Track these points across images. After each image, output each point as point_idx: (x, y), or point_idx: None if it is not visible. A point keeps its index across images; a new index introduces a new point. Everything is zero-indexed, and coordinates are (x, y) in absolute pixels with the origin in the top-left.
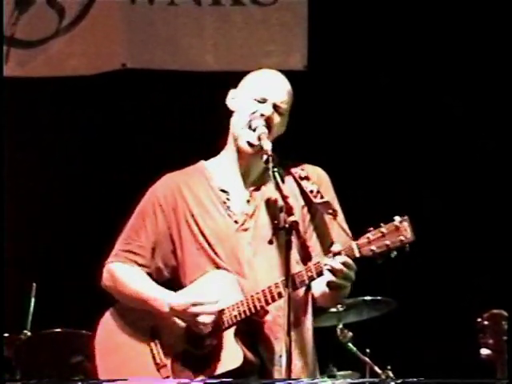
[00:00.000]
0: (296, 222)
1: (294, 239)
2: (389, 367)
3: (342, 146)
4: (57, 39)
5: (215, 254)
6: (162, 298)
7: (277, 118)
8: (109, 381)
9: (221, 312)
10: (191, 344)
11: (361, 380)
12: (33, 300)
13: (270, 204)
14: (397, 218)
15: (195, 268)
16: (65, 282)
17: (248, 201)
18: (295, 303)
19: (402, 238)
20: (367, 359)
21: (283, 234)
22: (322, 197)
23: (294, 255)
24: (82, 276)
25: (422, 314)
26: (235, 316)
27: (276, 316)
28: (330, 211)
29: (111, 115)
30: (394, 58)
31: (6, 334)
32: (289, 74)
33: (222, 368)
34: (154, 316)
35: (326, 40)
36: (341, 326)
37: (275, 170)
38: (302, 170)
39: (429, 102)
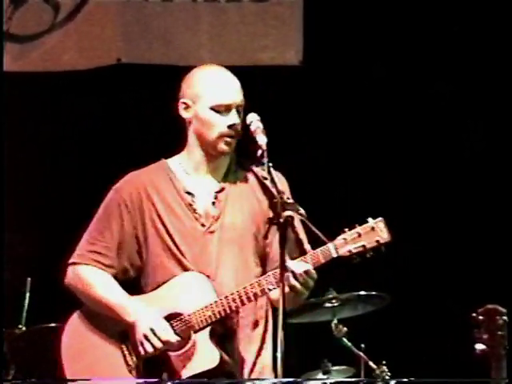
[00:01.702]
0: (291, 217)
1: (254, 241)
2: (384, 362)
3: (337, 141)
4: (52, 34)
5: (182, 255)
6: (129, 307)
7: (240, 119)
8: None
9: (193, 313)
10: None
11: (355, 379)
12: (27, 295)
13: (235, 203)
14: (371, 220)
15: (160, 269)
16: (59, 277)
17: (213, 203)
18: (256, 305)
19: (378, 238)
20: (362, 354)
21: (249, 235)
22: (288, 197)
23: (253, 257)
24: None
25: (416, 308)
26: (209, 316)
27: (239, 317)
28: (301, 212)
29: (106, 110)
30: (390, 52)
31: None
32: (284, 69)
33: (198, 368)
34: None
35: (322, 35)
36: (335, 321)
37: (270, 164)
38: (263, 169)
39: (425, 97)
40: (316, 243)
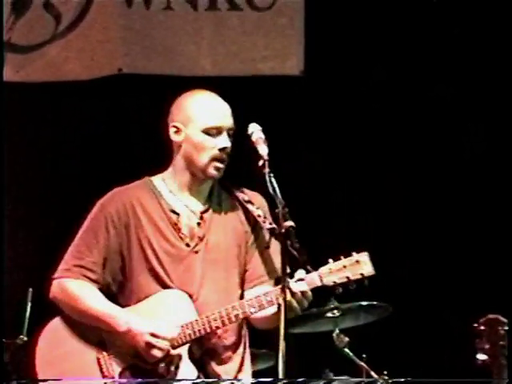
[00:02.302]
0: (293, 227)
1: (237, 262)
2: (385, 372)
3: (338, 150)
4: (53, 44)
5: (166, 275)
6: (119, 317)
7: (230, 144)
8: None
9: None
10: (140, 359)
11: (359, 379)
12: (29, 305)
13: (222, 225)
14: (355, 254)
15: (143, 287)
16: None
17: (198, 223)
18: (236, 327)
19: (362, 271)
20: (363, 364)
21: (232, 256)
22: (270, 223)
23: (236, 278)
24: None
25: (418, 319)
26: (189, 334)
27: (223, 337)
28: (278, 237)
29: (107, 120)
30: (390, 62)
31: (2, 339)
32: (285, 79)
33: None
34: (99, 329)
35: (323, 45)
36: (337, 331)
37: (271, 174)
38: (244, 193)
39: (426, 104)
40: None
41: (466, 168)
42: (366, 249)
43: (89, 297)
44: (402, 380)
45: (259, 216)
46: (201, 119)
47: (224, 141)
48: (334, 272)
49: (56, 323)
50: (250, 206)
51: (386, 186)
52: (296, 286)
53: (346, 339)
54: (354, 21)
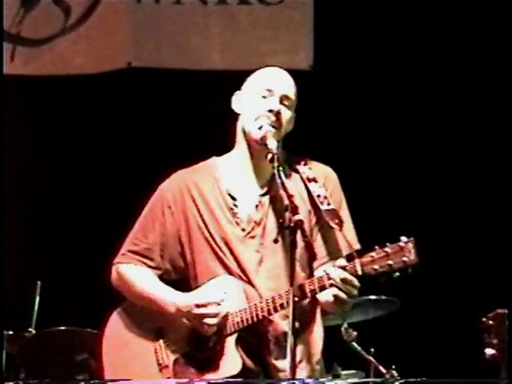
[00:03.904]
0: (301, 221)
1: (299, 241)
2: (393, 366)
3: (348, 146)
4: (63, 38)
5: (225, 260)
6: (169, 299)
7: (285, 112)
8: (112, 381)
9: (224, 317)
10: (194, 346)
11: (364, 380)
12: (37, 298)
13: (277, 208)
14: (403, 239)
15: (206, 271)
16: (69, 280)
17: (257, 206)
18: (303, 309)
19: (405, 259)
20: (372, 358)
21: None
22: (329, 203)
23: (300, 260)
24: (87, 274)
25: (426, 313)
26: (237, 323)
27: (281, 325)
28: (336, 221)
29: (116, 114)
30: (401, 56)
31: (11, 332)
32: (294, 74)
33: (220, 374)
34: (160, 316)
35: (332, 40)
36: (345, 325)
37: (280, 168)
38: (310, 169)
39: (440, 101)
40: None
41: (475, 163)
42: (375, 242)
43: (140, 280)
44: (415, 380)
45: (319, 196)
46: (257, 81)
47: (274, 103)
48: (377, 260)
49: (118, 312)
50: (312, 185)
51: (394, 178)
52: (336, 273)
53: (355, 333)
54: (363, 15)
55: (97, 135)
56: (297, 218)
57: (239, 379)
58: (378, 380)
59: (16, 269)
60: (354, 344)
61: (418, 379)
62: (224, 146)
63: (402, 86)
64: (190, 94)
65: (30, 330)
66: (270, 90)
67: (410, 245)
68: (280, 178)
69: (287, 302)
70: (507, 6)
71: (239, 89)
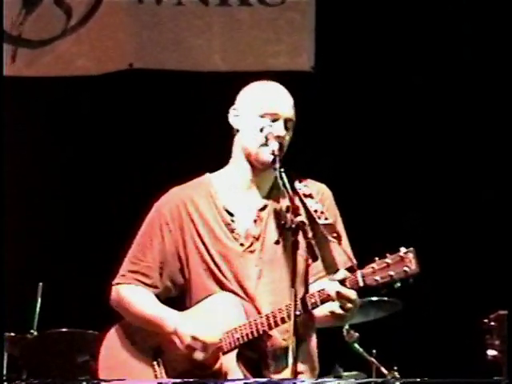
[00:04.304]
0: (303, 222)
1: (298, 257)
2: (395, 368)
3: (349, 148)
4: (64, 39)
5: (222, 275)
6: (168, 319)
7: (287, 136)
8: (109, 381)
9: (223, 336)
10: (194, 365)
11: (366, 380)
12: (39, 300)
13: (276, 222)
14: (402, 249)
15: (202, 288)
16: (71, 282)
17: (255, 221)
18: (301, 322)
19: (406, 269)
20: (373, 360)
21: (290, 251)
22: (326, 218)
23: (299, 274)
24: (89, 276)
25: (428, 314)
26: (238, 339)
27: (279, 339)
28: (334, 235)
29: (118, 115)
30: (402, 58)
31: (13, 334)
32: (296, 75)
33: None
34: (158, 335)
35: (334, 41)
36: (347, 326)
37: (282, 170)
38: (306, 186)
39: (441, 103)
40: None
41: (481, 165)
42: (377, 245)
43: (140, 301)
44: (415, 380)
45: (316, 211)
46: (259, 103)
47: (279, 128)
48: (378, 271)
49: (115, 330)
50: (308, 201)
51: (397, 182)
52: (333, 287)
53: (356, 334)
54: (365, 17)
55: (98, 136)
56: (299, 219)
57: (237, 378)
58: (379, 380)
59: (18, 270)
60: (356, 345)
61: (418, 379)
62: (225, 147)
63: (402, 88)
64: (192, 96)
65: (31, 331)
66: (275, 114)
67: (411, 255)
68: (282, 179)
69: (288, 316)
70: (507, 5)
71: (240, 90)
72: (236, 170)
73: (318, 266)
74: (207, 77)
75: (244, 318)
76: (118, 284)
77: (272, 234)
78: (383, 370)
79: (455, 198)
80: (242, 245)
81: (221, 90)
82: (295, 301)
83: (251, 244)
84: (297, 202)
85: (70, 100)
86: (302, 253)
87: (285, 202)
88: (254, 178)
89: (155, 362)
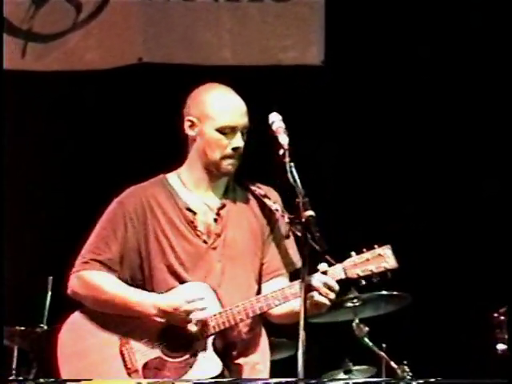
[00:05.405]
0: (312, 217)
1: (252, 255)
2: (405, 362)
3: (358, 141)
4: (74, 33)
5: (185, 272)
6: (146, 301)
7: (243, 144)
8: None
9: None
10: (165, 350)
11: (376, 379)
12: (49, 294)
13: (238, 220)
14: (377, 247)
15: (164, 284)
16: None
17: (215, 220)
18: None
19: (385, 264)
20: (383, 354)
21: (249, 251)
22: (288, 216)
23: (253, 274)
24: None
25: (438, 308)
26: (213, 327)
27: (244, 329)
28: (290, 233)
29: (128, 109)
30: (412, 51)
31: (23, 328)
32: (306, 69)
33: (199, 376)
34: (125, 321)
35: (343, 35)
36: (357, 320)
37: (292, 164)
38: (259, 188)
39: (455, 98)
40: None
41: (486, 162)
42: (386, 238)
43: (111, 285)
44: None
45: (277, 210)
46: (216, 117)
47: (237, 141)
48: (358, 265)
49: (77, 316)
50: (266, 201)
51: (406, 175)
52: (319, 278)
53: (366, 329)
54: (375, 11)
55: (108, 130)
56: (308, 213)
57: (238, 378)
58: (380, 380)
59: (28, 264)
60: (366, 339)
61: (421, 381)
62: None
63: (415, 81)
64: None
65: (41, 325)
66: (232, 128)
67: (389, 251)
68: (291, 173)
69: (266, 305)
70: None
71: (250, 85)
72: (192, 173)
73: (273, 265)
74: (216, 71)
75: (219, 306)
76: (81, 270)
77: (232, 231)
78: (393, 364)
79: (466, 191)
80: (205, 242)
81: (230, 84)
82: (305, 293)
83: (213, 241)
84: (253, 202)
85: (79, 94)
86: (256, 251)
87: (240, 203)
88: (210, 182)
89: (124, 348)
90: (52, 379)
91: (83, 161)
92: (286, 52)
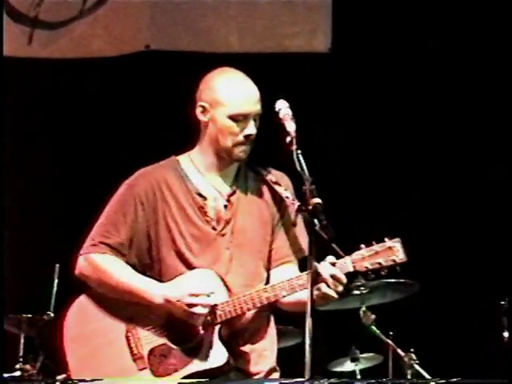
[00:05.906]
0: (320, 204)
1: (262, 240)
2: (412, 349)
3: (366, 128)
4: (80, 20)
5: (193, 257)
6: (154, 289)
7: (255, 131)
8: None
9: (212, 307)
10: (171, 338)
11: (369, 380)
12: (56, 281)
13: (245, 206)
14: (387, 240)
15: (171, 269)
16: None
17: (225, 206)
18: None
19: (394, 257)
20: (390, 342)
21: (258, 238)
22: (298, 204)
23: (262, 262)
24: None
25: (445, 296)
26: (220, 315)
27: (251, 318)
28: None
29: (134, 96)
30: (418, 39)
31: (30, 315)
32: (312, 57)
33: (205, 365)
34: (132, 306)
35: (350, 22)
36: (364, 308)
37: (299, 151)
38: (271, 174)
39: (461, 85)
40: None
41: (493, 147)
42: (393, 225)
43: (119, 270)
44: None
45: (287, 198)
46: (229, 104)
47: (250, 128)
48: (367, 258)
49: (83, 300)
50: (277, 188)
51: (413, 162)
52: (327, 270)
53: (373, 316)
54: None
55: (115, 118)
56: (315, 201)
57: (241, 380)
58: (381, 380)
59: (35, 252)
60: (373, 327)
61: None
62: None
63: (421, 69)
64: None
65: (48, 312)
66: (244, 115)
67: (398, 244)
68: (298, 160)
69: (274, 296)
70: None
71: (257, 72)
72: (204, 158)
73: (282, 252)
74: (223, 58)
75: (226, 294)
76: (89, 253)
77: (241, 218)
78: (400, 352)
79: (473, 177)
80: (214, 228)
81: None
82: (312, 281)
83: (223, 228)
84: (264, 189)
85: (86, 82)
86: (266, 238)
87: (251, 189)
88: (221, 166)
89: (130, 333)
90: (76, 379)
91: (91, 147)
92: (293, 39)
